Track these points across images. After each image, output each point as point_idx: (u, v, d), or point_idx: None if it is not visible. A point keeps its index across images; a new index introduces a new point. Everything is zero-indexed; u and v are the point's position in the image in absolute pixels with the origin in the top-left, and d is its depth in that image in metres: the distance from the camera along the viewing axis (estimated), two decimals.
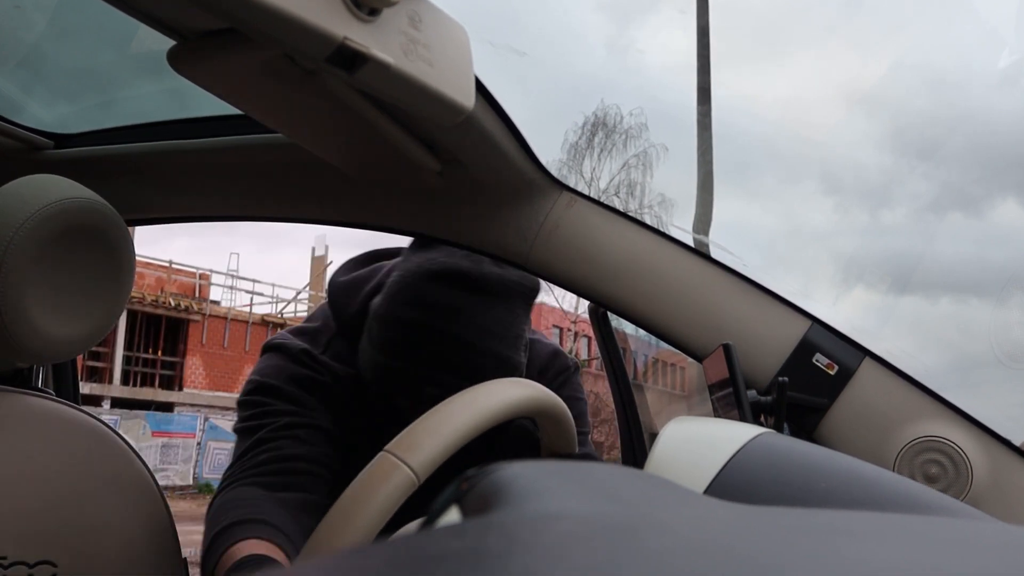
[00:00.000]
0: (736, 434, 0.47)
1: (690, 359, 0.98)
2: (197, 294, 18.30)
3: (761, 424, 0.85)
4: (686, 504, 0.22)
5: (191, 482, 16.50)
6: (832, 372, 0.90)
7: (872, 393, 0.89)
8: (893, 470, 0.85)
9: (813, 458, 0.47)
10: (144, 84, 1.28)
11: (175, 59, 0.61)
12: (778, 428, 0.86)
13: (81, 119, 1.27)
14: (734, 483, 0.43)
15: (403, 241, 1.15)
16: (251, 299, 19.82)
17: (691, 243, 0.99)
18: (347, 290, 1.15)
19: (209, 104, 0.92)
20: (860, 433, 0.89)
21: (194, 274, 18.61)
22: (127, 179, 1.16)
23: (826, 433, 0.90)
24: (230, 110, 0.80)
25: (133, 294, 8.41)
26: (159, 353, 17.53)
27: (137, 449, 0.98)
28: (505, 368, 1.04)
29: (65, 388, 1.30)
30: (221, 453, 17.06)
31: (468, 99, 0.60)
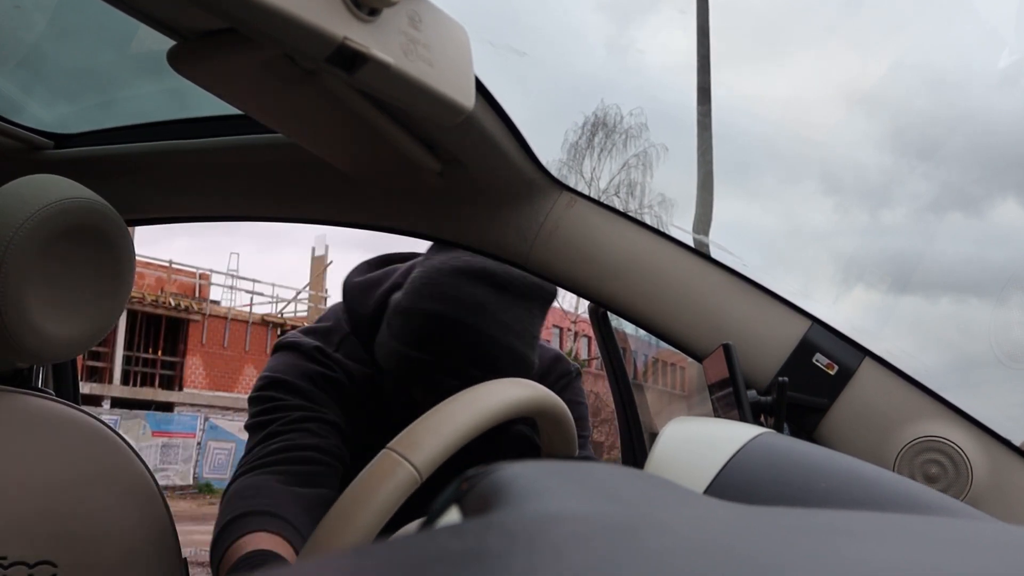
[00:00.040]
0: (736, 434, 0.47)
1: (690, 359, 0.98)
2: (197, 294, 18.30)
3: (761, 424, 0.85)
4: (686, 504, 0.22)
5: (191, 482, 16.50)
6: (832, 372, 0.90)
7: (872, 393, 0.89)
8: (893, 470, 0.85)
9: (813, 458, 0.47)
10: (144, 84, 1.28)
11: (175, 59, 0.61)
12: (778, 428, 0.86)
13: (81, 119, 1.27)
14: (734, 483, 0.43)
15: (406, 243, 1.16)
16: (251, 299, 19.83)
17: (691, 243, 0.99)
18: (363, 290, 1.17)
19: (209, 104, 0.92)
20: (860, 433, 0.89)
21: (194, 274, 18.61)
22: (127, 179, 1.16)
23: (826, 433, 0.90)
24: (230, 110, 0.80)
25: (133, 294, 8.41)
26: (159, 353, 17.54)
27: (137, 449, 0.98)
28: (521, 366, 1.07)
29: (65, 388, 1.30)
30: (221, 453, 17.06)
31: (468, 99, 0.60)
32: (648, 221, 1.26)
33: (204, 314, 17.86)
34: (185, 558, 1.02)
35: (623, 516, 0.18)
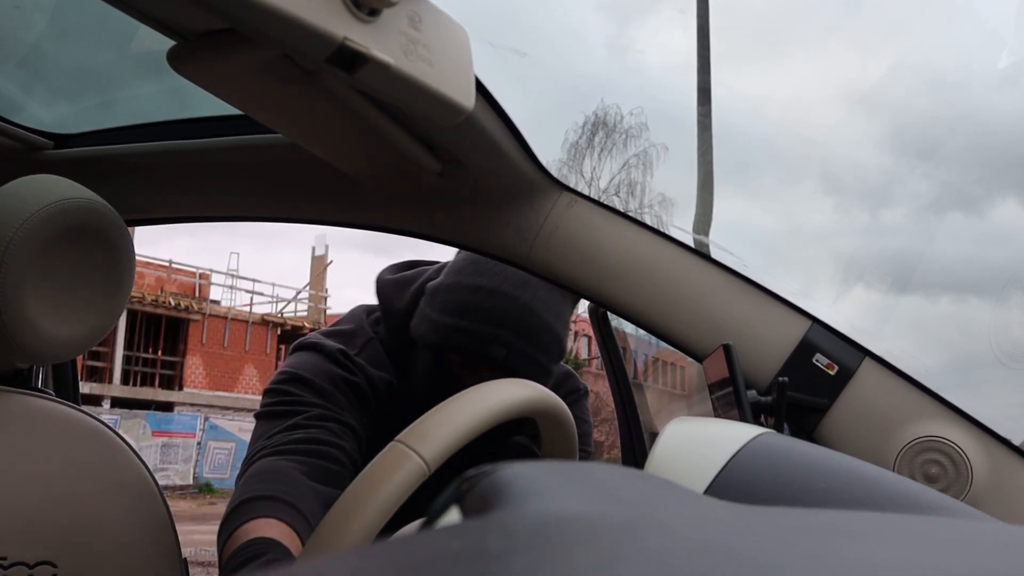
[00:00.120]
0: (736, 434, 0.47)
1: (690, 358, 0.98)
2: (197, 294, 18.30)
3: (761, 424, 0.85)
4: (686, 504, 0.22)
5: (191, 482, 16.51)
6: (832, 372, 0.90)
7: (872, 393, 0.89)
8: (893, 470, 0.85)
9: (813, 458, 0.47)
10: (144, 84, 1.28)
11: (175, 59, 0.61)
12: (778, 428, 0.86)
13: (81, 119, 1.27)
14: (734, 483, 0.43)
15: (407, 244, 1.17)
16: (251, 299, 19.84)
17: (691, 243, 0.99)
18: (396, 286, 1.20)
19: (209, 104, 0.92)
20: (860, 433, 0.89)
21: (194, 274, 18.62)
22: (127, 179, 1.16)
23: (826, 433, 0.90)
24: (230, 110, 0.80)
25: (133, 294, 8.41)
26: (159, 353, 17.54)
27: (137, 449, 0.98)
28: (556, 346, 1.12)
29: (65, 388, 1.30)
30: (221, 453, 17.07)
31: (468, 99, 0.60)
32: (648, 221, 1.27)
33: (204, 314, 17.86)
34: (185, 558, 1.02)
35: (623, 516, 0.18)
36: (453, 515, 0.24)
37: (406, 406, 1.13)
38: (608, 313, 1.37)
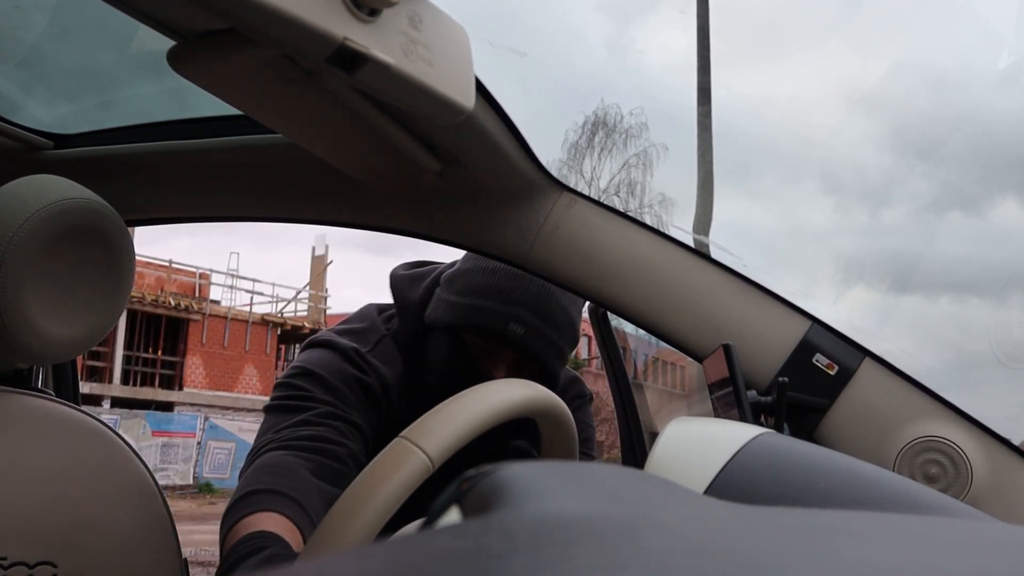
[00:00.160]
0: (736, 434, 0.47)
1: (690, 358, 0.98)
2: (197, 294, 18.31)
3: (761, 424, 0.85)
4: (686, 504, 0.22)
5: (191, 482, 16.51)
6: (832, 372, 0.90)
7: (872, 393, 0.89)
8: (893, 470, 0.85)
9: (813, 458, 0.47)
10: (144, 84, 1.28)
11: (175, 59, 0.61)
12: (778, 428, 0.86)
13: (81, 119, 1.27)
14: (734, 483, 0.43)
15: (407, 244, 1.18)
16: (251, 299, 19.84)
17: (691, 243, 1.00)
18: (409, 280, 1.22)
19: (209, 104, 0.92)
20: (860, 433, 0.89)
21: (194, 274, 18.62)
22: (127, 179, 1.16)
23: (826, 433, 0.90)
24: (230, 110, 0.80)
25: (133, 294, 8.42)
26: (159, 353, 17.54)
27: (137, 449, 0.98)
28: (571, 331, 1.14)
29: (65, 388, 1.30)
30: (221, 453, 17.07)
31: (468, 99, 0.60)
32: (648, 221, 1.27)
33: (204, 314, 17.86)
34: (185, 558, 1.02)
35: (623, 516, 0.18)
36: (453, 515, 0.24)
37: (417, 405, 1.14)
38: (608, 313, 1.37)
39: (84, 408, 0.96)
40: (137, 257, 0.93)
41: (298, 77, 0.66)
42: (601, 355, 1.42)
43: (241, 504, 0.90)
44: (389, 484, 0.62)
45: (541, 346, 1.10)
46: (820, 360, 0.91)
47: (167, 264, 17.85)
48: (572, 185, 1.02)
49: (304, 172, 1.06)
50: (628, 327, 1.26)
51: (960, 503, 0.47)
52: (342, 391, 1.07)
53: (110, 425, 0.96)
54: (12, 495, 0.82)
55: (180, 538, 1.00)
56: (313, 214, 1.11)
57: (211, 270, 19.11)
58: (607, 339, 1.40)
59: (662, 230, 0.99)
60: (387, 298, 1.25)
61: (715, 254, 0.99)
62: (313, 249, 21.30)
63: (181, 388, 17.41)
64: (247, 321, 18.66)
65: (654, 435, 1.17)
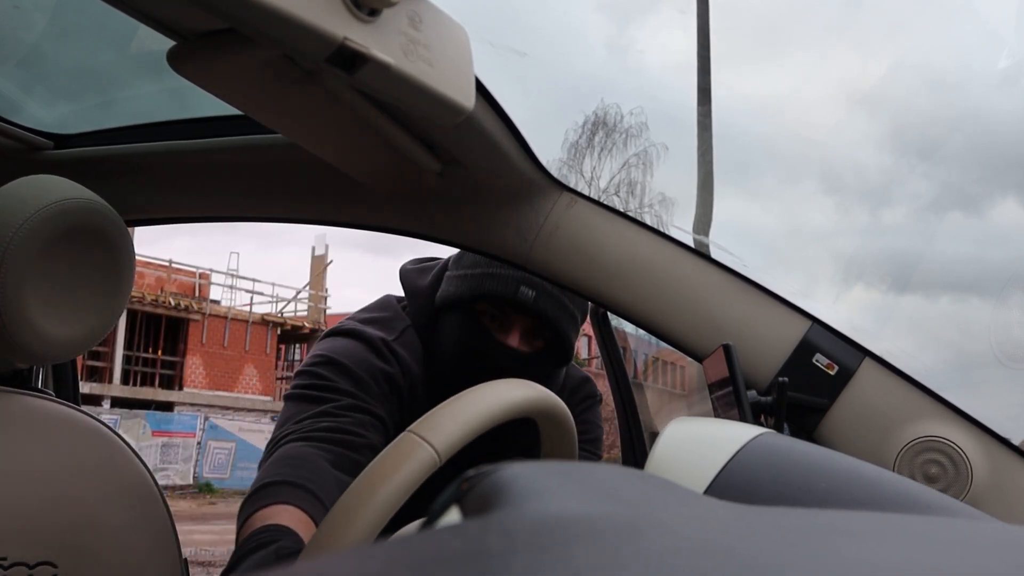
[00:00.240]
0: (736, 434, 0.47)
1: (690, 358, 0.98)
2: (197, 293, 18.31)
3: (761, 424, 0.85)
4: (686, 504, 0.22)
5: (191, 482, 16.51)
6: (832, 372, 0.90)
7: (872, 393, 0.89)
8: (893, 470, 0.85)
9: (813, 458, 0.47)
10: (144, 84, 1.28)
11: (175, 59, 0.61)
12: (778, 428, 0.86)
13: (81, 119, 1.27)
14: (734, 483, 0.43)
15: (407, 244, 1.19)
16: (251, 298, 19.84)
17: (691, 243, 1.00)
18: (418, 271, 1.24)
19: (209, 104, 0.92)
20: (860, 433, 0.89)
21: (194, 273, 18.62)
22: (127, 179, 1.16)
23: (826, 433, 0.90)
24: (230, 110, 0.80)
25: (133, 294, 8.42)
26: (159, 353, 17.54)
27: (137, 449, 0.98)
28: (583, 299, 1.13)
29: (65, 388, 1.30)
30: (221, 453, 17.07)
31: (468, 99, 0.60)
32: (648, 220, 1.28)
33: (204, 314, 17.86)
34: (185, 558, 1.02)
35: (623, 516, 0.18)
36: (453, 515, 0.24)
37: (438, 394, 1.14)
38: (608, 313, 1.37)
39: (84, 408, 0.96)
40: (137, 257, 0.93)
41: (298, 77, 0.66)
42: (601, 355, 1.42)
43: (257, 496, 0.90)
44: (397, 477, 0.62)
45: (554, 309, 1.10)
46: (820, 360, 0.91)
47: (167, 264, 17.86)
48: (572, 185, 1.02)
49: (304, 172, 1.06)
50: (628, 327, 1.26)
51: (960, 503, 0.47)
52: (366, 382, 1.06)
53: (110, 425, 0.96)
54: (12, 495, 0.82)
55: (180, 538, 1.00)
56: (313, 214, 1.11)
57: (211, 270, 19.12)
58: (607, 339, 1.40)
59: (662, 230, 0.99)
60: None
61: (715, 254, 0.99)
62: (313, 249, 21.32)
63: (181, 388, 17.41)
64: (247, 321, 18.66)
65: (654, 435, 1.17)
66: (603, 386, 1.43)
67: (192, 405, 17.13)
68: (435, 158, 0.92)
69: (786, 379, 0.85)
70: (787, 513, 0.19)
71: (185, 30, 0.61)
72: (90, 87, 1.30)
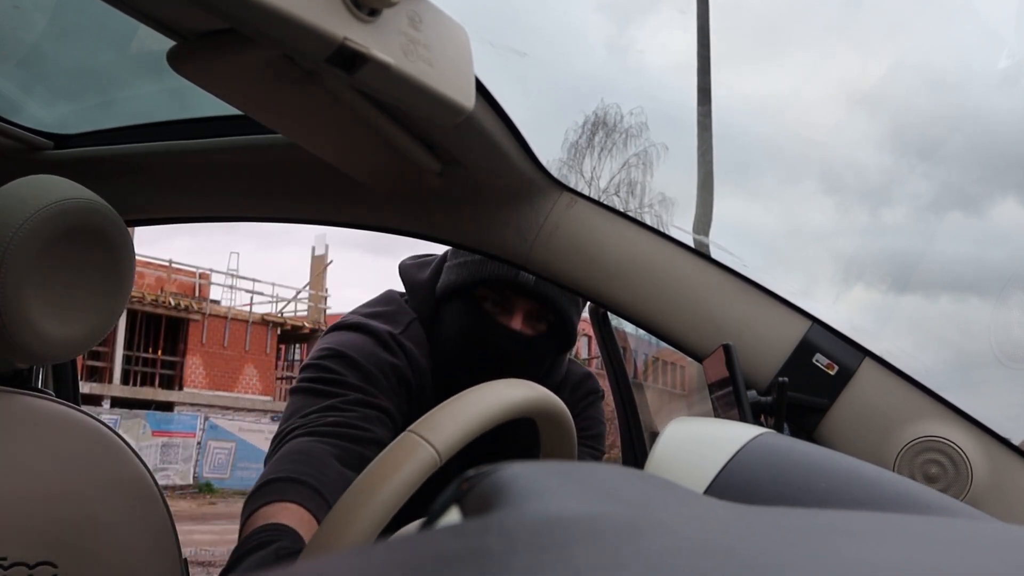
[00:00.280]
0: (736, 434, 0.47)
1: (690, 358, 0.98)
2: (197, 293, 18.31)
3: (761, 424, 0.85)
4: (686, 504, 0.22)
5: (191, 482, 16.51)
6: (832, 372, 0.90)
7: (872, 393, 0.89)
8: (893, 470, 0.85)
9: (813, 458, 0.47)
10: (144, 84, 1.28)
11: (175, 59, 0.61)
12: (778, 428, 0.86)
13: (81, 119, 1.27)
14: (734, 483, 0.43)
15: (407, 244, 1.19)
16: (251, 298, 19.84)
17: (691, 243, 1.00)
18: (417, 266, 1.25)
19: (209, 104, 0.92)
20: (860, 433, 0.89)
21: (194, 273, 18.62)
22: (127, 179, 1.16)
23: (826, 433, 0.90)
24: (230, 110, 0.80)
25: (133, 294, 8.42)
26: (159, 353, 17.54)
27: (137, 449, 0.98)
28: (579, 298, 1.15)
29: (65, 388, 1.30)
30: (221, 453, 17.07)
31: (468, 99, 0.61)
32: (648, 220, 1.28)
33: (204, 314, 17.86)
34: (185, 558, 1.02)
35: (623, 516, 0.18)
36: (453, 515, 0.24)
37: (445, 387, 1.13)
38: (608, 313, 1.37)
39: (84, 408, 0.96)
40: (137, 257, 0.93)
41: (298, 77, 0.66)
42: (601, 355, 1.42)
43: (262, 492, 0.89)
44: (397, 476, 0.62)
45: (555, 291, 1.10)
46: (820, 360, 0.91)
47: (167, 264, 17.86)
48: (572, 185, 1.02)
49: (304, 172, 1.06)
50: (628, 327, 1.26)
51: (960, 503, 0.47)
52: (374, 375, 1.06)
53: (110, 425, 0.96)
54: (12, 495, 0.82)
55: (180, 538, 1.00)
56: (313, 214, 1.11)
57: (211, 270, 19.12)
58: (607, 339, 1.40)
59: (662, 230, 0.99)
60: None
61: (715, 254, 0.99)
62: (313, 249, 21.32)
63: (181, 388, 17.41)
64: (247, 321, 18.66)
65: (654, 435, 1.18)
66: (603, 386, 1.43)
67: (192, 405, 17.13)
68: (435, 158, 0.92)
69: (786, 379, 0.85)
70: (787, 513, 0.19)
71: (185, 30, 0.61)
72: (90, 87, 1.30)
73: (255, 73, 0.63)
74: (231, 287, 19.44)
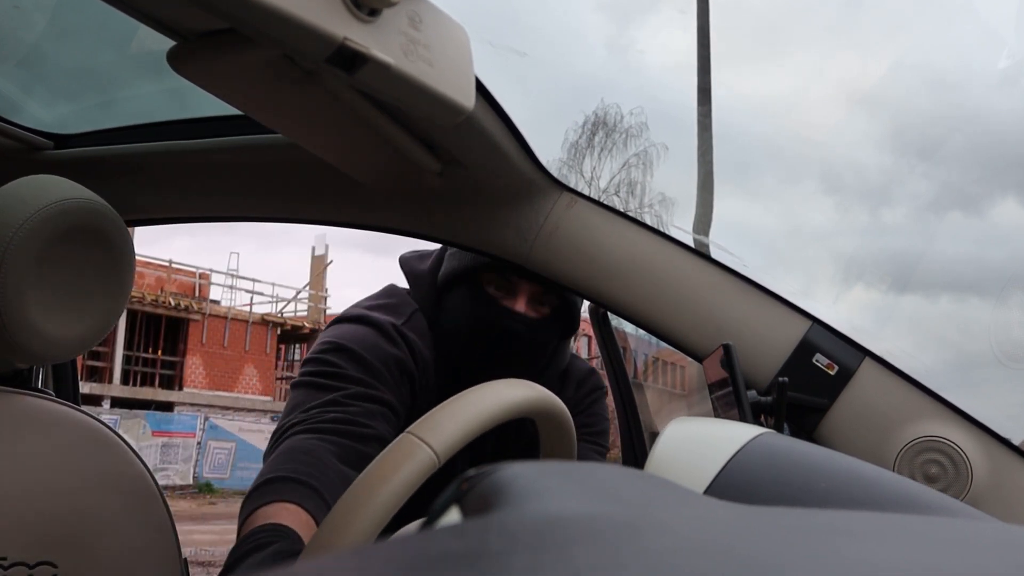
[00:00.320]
0: (736, 434, 0.47)
1: (690, 358, 0.98)
2: (197, 293, 18.31)
3: (761, 424, 0.85)
4: (686, 504, 0.22)
5: (191, 482, 16.51)
6: (832, 372, 0.90)
7: (872, 393, 0.89)
8: (893, 470, 0.85)
9: (813, 458, 0.47)
10: (144, 84, 1.28)
11: (175, 59, 0.61)
12: (778, 428, 0.86)
13: (81, 119, 1.27)
14: (734, 483, 0.43)
15: (407, 244, 1.21)
16: (251, 298, 19.83)
17: (691, 243, 1.00)
18: (418, 258, 1.25)
19: (209, 104, 0.92)
20: (860, 433, 0.89)
21: (194, 273, 18.62)
22: (127, 179, 1.16)
23: (826, 433, 0.90)
24: (230, 110, 0.80)
25: (133, 294, 8.42)
26: (159, 353, 17.54)
27: (137, 449, 0.98)
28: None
29: (65, 388, 1.30)
30: (221, 453, 17.07)
31: (468, 99, 0.61)
32: (648, 220, 1.28)
33: (204, 314, 17.86)
34: (185, 558, 1.02)
35: (623, 516, 0.18)
36: (453, 515, 0.24)
37: (449, 377, 1.13)
38: (608, 313, 1.37)
39: (84, 408, 0.96)
40: (137, 257, 0.93)
41: (298, 77, 0.66)
42: (601, 355, 1.42)
43: (260, 492, 0.89)
44: (396, 478, 0.62)
45: None
46: (820, 360, 0.91)
47: (167, 264, 17.86)
48: (572, 185, 1.02)
49: (304, 172, 1.06)
50: (628, 327, 1.26)
51: (960, 503, 0.47)
52: (376, 368, 1.05)
53: (110, 425, 0.96)
54: (12, 495, 0.82)
55: (180, 538, 1.00)
56: (313, 214, 1.11)
57: (211, 270, 19.11)
58: (607, 339, 1.40)
59: (662, 230, 0.99)
60: None
61: (715, 254, 0.99)
62: (313, 249, 21.32)
63: (181, 388, 17.40)
64: (247, 321, 18.66)
65: (654, 435, 1.18)
66: None
67: (192, 405, 17.13)
68: (435, 158, 0.92)
69: (786, 379, 0.85)
70: (787, 513, 0.19)
71: (185, 30, 0.61)
72: (90, 87, 1.30)
73: (255, 73, 0.63)
74: (231, 287, 19.45)
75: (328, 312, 20.58)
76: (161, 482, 1.01)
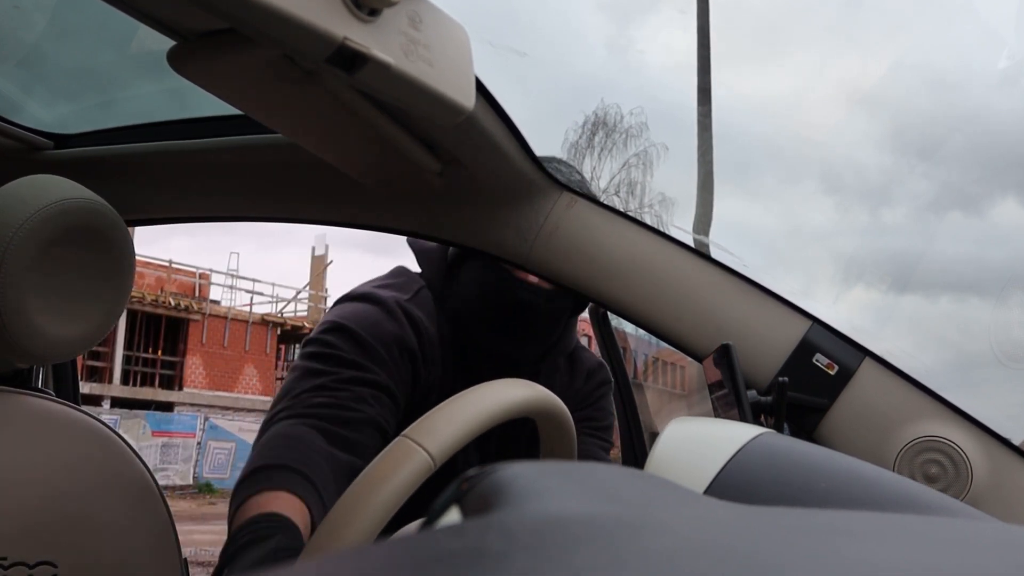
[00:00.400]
0: (736, 434, 0.47)
1: (690, 358, 0.98)
2: (197, 294, 18.30)
3: (761, 424, 0.85)
4: (686, 504, 0.22)
5: (191, 482, 16.51)
6: (832, 372, 0.90)
7: (872, 393, 0.89)
8: (893, 470, 0.85)
9: (813, 458, 0.47)
10: (144, 84, 1.28)
11: (175, 59, 0.61)
12: (778, 428, 0.86)
13: (81, 119, 1.27)
14: (734, 483, 0.43)
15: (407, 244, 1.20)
16: (251, 298, 19.83)
17: (691, 243, 1.00)
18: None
19: (209, 104, 0.92)
20: (860, 433, 0.89)
21: (194, 273, 18.61)
22: (127, 179, 1.16)
23: (826, 433, 0.90)
24: (230, 110, 0.80)
25: (133, 294, 8.42)
26: (159, 353, 17.54)
27: (137, 449, 0.98)
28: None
29: (65, 388, 1.30)
30: (221, 453, 17.07)
31: (468, 99, 0.61)
32: (648, 220, 1.28)
33: (204, 314, 17.86)
34: (185, 558, 1.02)
35: (623, 516, 0.18)
36: (453, 515, 0.24)
37: (457, 356, 1.13)
38: (608, 313, 1.37)
39: (84, 408, 0.96)
40: (137, 257, 0.93)
41: (298, 77, 0.66)
42: (601, 355, 1.42)
43: (250, 481, 0.88)
44: (391, 482, 0.62)
45: None
46: (820, 360, 0.91)
47: (167, 264, 17.85)
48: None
49: (304, 172, 1.06)
50: (628, 327, 1.26)
51: (960, 503, 0.47)
52: (374, 349, 1.04)
53: (110, 425, 0.96)
54: (12, 495, 0.82)
55: (180, 538, 1.00)
56: (313, 214, 1.11)
57: (211, 270, 19.10)
58: (607, 339, 1.40)
59: (662, 230, 0.99)
60: None
61: (715, 254, 0.99)
62: (313, 249, 21.32)
63: (181, 388, 17.40)
64: (247, 321, 18.65)
65: (654, 435, 1.18)
66: None
67: (192, 405, 17.13)
68: (435, 158, 0.92)
69: (786, 379, 0.85)
70: (787, 513, 0.19)
71: (185, 30, 0.61)
72: (90, 87, 1.30)
73: (255, 73, 0.63)
74: (231, 287, 19.45)
75: None
76: (161, 482, 1.01)
